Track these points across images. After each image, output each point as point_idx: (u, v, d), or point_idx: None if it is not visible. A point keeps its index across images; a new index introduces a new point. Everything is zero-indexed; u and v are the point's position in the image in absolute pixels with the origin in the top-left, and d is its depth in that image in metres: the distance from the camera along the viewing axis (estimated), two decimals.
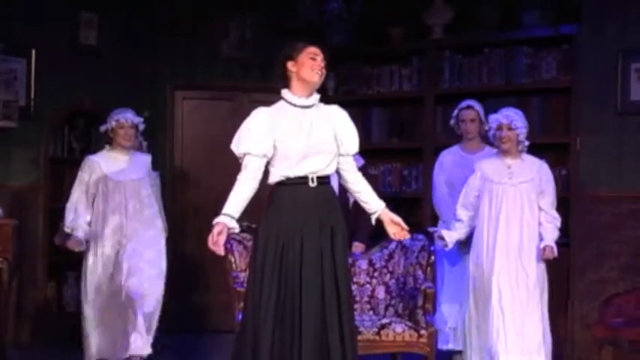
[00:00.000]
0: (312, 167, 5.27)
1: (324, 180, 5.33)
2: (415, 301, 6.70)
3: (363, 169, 7.46)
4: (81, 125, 9.02)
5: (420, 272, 6.83)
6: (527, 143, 6.74)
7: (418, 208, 8.88)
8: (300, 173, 5.27)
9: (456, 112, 7.46)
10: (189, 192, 9.56)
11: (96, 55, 8.93)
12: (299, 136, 5.26)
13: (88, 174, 7.27)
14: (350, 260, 7.07)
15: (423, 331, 6.54)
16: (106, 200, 7.26)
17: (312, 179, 5.28)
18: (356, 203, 7.36)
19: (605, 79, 7.88)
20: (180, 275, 9.17)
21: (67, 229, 7.26)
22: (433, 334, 6.61)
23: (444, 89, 8.85)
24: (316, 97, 5.41)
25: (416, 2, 8.94)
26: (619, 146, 7.74)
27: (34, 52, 8.36)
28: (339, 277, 5.23)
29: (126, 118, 7.28)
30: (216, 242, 5.15)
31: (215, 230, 5.18)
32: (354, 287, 7.02)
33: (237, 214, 5.28)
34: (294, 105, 5.35)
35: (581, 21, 8.11)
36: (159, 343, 7.31)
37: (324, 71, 5.40)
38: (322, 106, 5.44)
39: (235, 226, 5.27)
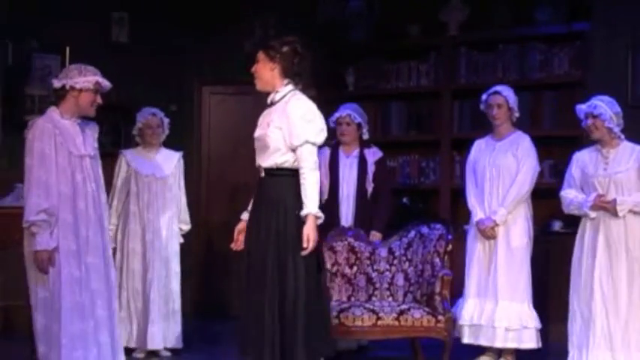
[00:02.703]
0: (260, 159, 5.36)
1: (273, 172, 5.31)
2: (433, 287, 6.67)
3: (381, 161, 7.49)
4: (111, 119, 9.00)
5: (437, 260, 6.80)
6: (617, 130, 6.31)
7: (436, 198, 8.86)
8: (257, 164, 5.40)
9: (484, 97, 7.08)
10: (215, 183, 9.55)
11: (127, 52, 8.94)
12: (256, 130, 5.41)
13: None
14: (370, 248, 7.07)
15: (440, 317, 6.51)
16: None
17: (261, 170, 5.36)
18: (373, 194, 7.38)
19: (615, 74, 7.84)
20: (207, 264, 9.18)
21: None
22: (450, 320, 6.58)
23: (460, 84, 8.83)
24: (276, 94, 5.40)
25: (433, 0, 8.91)
26: (630, 138, 7.69)
27: (68, 49, 8.36)
28: (268, 270, 5.22)
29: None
30: (236, 240, 5.49)
31: (236, 230, 5.50)
32: (374, 274, 7.02)
33: None
34: (267, 103, 5.46)
35: (592, 18, 8.08)
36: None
37: (256, 74, 5.42)
38: (287, 100, 5.35)
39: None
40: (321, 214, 5.22)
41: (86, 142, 5.63)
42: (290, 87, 5.40)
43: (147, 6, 8.99)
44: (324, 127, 5.36)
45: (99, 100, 5.67)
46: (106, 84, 5.70)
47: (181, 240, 7.48)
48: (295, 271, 5.22)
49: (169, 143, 7.56)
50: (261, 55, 5.39)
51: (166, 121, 7.46)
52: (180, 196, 7.48)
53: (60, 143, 5.48)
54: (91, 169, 5.61)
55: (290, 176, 5.28)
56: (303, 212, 5.17)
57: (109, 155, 8.04)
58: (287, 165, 5.29)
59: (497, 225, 6.81)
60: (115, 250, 7.24)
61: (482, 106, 7.10)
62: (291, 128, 5.23)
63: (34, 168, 5.40)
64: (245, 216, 5.50)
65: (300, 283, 5.23)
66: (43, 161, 5.41)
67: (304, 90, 5.46)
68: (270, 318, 5.19)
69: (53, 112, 5.59)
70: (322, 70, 9.18)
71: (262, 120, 5.44)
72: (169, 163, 7.42)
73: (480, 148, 7.08)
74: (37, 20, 8.11)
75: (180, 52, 9.25)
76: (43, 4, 8.13)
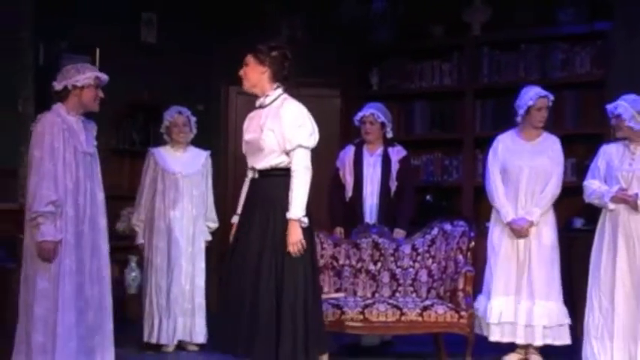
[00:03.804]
0: (253, 161, 5.41)
1: (268, 172, 5.34)
2: (456, 283, 6.67)
3: (405, 160, 7.47)
4: (141, 118, 9.04)
5: (460, 257, 6.80)
6: (639, 128, 6.27)
7: (458, 196, 8.85)
8: (249, 166, 5.45)
9: (532, 101, 6.83)
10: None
11: (155, 52, 8.96)
12: (247, 132, 5.45)
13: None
14: (394, 245, 7.07)
15: (463, 313, 6.51)
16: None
17: (254, 172, 5.40)
18: (397, 192, 7.37)
19: (637, 73, 7.79)
20: None
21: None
22: (473, 316, 6.58)
23: (482, 83, 8.82)
24: (266, 98, 5.42)
25: (456, 1, 8.91)
26: None
27: (98, 50, 8.39)
28: (263, 268, 5.23)
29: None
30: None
31: (232, 235, 5.56)
32: (398, 271, 7.03)
33: None
34: (256, 106, 5.48)
35: (613, 17, 8.04)
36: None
37: (244, 76, 5.47)
38: (279, 104, 5.37)
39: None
40: (304, 220, 5.22)
41: (88, 139, 5.71)
42: (280, 91, 5.42)
43: (175, 7, 9.02)
44: (316, 130, 5.35)
45: (101, 94, 5.73)
46: (105, 77, 5.76)
47: (209, 238, 7.49)
48: (293, 271, 5.24)
49: (196, 142, 7.57)
50: (250, 59, 5.43)
51: (193, 119, 7.47)
52: (208, 195, 7.48)
53: (67, 138, 5.55)
54: (90, 166, 5.69)
55: (284, 176, 5.29)
56: (287, 215, 5.20)
57: (138, 154, 8.10)
58: (282, 165, 5.31)
59: (532, 225, 6.77)
60: (142, 246, 7.31)
61: (526, 106, 6.85)
62: (284, 132, 5.25)
63: (45, 160, 5.45)
64: (236, 219, 5.56)
65: (299, 283, 5.25)
66: (52, 154, 5.47)
67: (293, 91, 5.49)
68: (266, 317, 5.18)
69: (60, 108, 5.66)
70: (347, 70, 9.20)
71: (250, 123, 5.48)
72: (197, 161, 7.43)
73: (507, 146, 6.96)
74: (67, 21, 8.14)
75: (208, 52, 9.27)
76: (73, 5, 8.15)
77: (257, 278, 5.21)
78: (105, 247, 5.80)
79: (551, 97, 6.92)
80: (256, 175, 5.38)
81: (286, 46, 5.47)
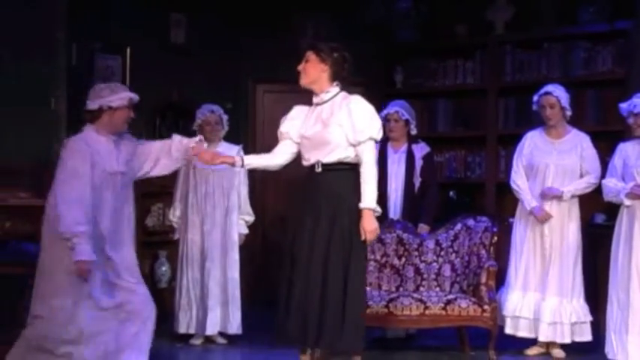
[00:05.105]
0: (317, 155, 5.42)
1: (334, 166, 5.39)
2: (479, 278, 6.72)
3: (429, 157, 7.49)
4: (170, 117, 9.09)
5: (483, 251, 6.82)
6: None
7: (481, 192, 8.86)
8: (312, 160, 5.45)
9: (536, 97, 6.97)
10: (268, 180, 9.59)
11: (184, 52, 9.01)
12: (305, 128, 5.49)
13: None
14: (418, 240, 7.10)
15: (486, 307, 6.54)
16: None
17: (318, 165, 5.42)
18: (421, 188, 7.40)
19: None
20: (261, 256, 9.22)
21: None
22: (496, 310, 6.60)
23: (505, 82, 8.83)
24: (326, 94, 5.50)
25: (479, 0, 8.90)
26: None
27: (128, 50, 8.46)
28: (332, 259, 5.29)
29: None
30: (210, 156, 5.79)
31: (220, 158, 5.75)
32: (422, 265, 7.06)
33: (248, 160, 5.74)
34: (313, 103, 5.55)
35: (635, 16, 8.02)
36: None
37: (304, 72, 5.52)
38: (343, 99, 5.46)
39: (238, 163, 5.69)
40: (378, 209, 5.36)
41: (119, 158, 5.59)
42: (338, 89, 5.52)
43: (204, 8, 9.06)
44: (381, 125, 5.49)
45: (132, 114, 5.67)
46: (136, 98, 5.68)
47: (246, 231, 7.54)
48: (359, 262, 5.35)
49: (224, 139, 7.61)
50: (312, 56, 5.49)
51: (225, 117, 7.53)
52: (241, 189, 7.52)
53: (95, 163, 5.42)
54: (120, 185, 5.57)
55: (350, 170, 5.38)
56: (361, 205, 5.29)
57: None
58: (348, 160, 5.38)
59: (562, 195, 6.77)
60: (177, 240, 7.39)
61: (534, 107, 7.01)
62: (355, 124, 5.32)
63: (67, 185, 5.33)
64: (237, 159, 5.71)
65: (362, 274, 5.39)
66: (78, 178, 5.34)
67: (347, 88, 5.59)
68: (334, 307, 5.27)
69: (89, 130, 5.56)
70: (371, 68, 9.22)
71: (301, 115, 5.59)
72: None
73: (534, 143, 6.99)
74: (100, 22, 8.21)
75: (235, 51, 9.31)
76: (105, 7, 8.22)
77: (325, 270, 5.30)
78: (131, 257, 5.72)
79: (557, 93, 6.88)
80: (319, 169, 5.41)
81: (343, 47, 5.56)
